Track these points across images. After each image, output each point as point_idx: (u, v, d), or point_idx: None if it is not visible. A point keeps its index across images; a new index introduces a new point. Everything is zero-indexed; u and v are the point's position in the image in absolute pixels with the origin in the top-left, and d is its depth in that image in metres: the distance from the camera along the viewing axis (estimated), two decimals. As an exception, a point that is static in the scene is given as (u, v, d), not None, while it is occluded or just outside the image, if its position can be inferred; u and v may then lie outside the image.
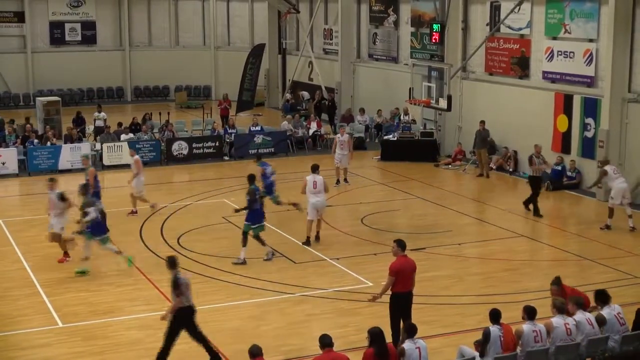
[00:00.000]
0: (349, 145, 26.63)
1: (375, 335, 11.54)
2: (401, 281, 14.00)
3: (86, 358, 14.36)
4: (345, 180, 26.95)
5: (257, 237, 19.07)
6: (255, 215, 19.05)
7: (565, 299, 13.34)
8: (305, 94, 40.02)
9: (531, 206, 23.40)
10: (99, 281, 18.06)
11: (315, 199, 20.35)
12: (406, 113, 32.69)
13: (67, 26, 45.36)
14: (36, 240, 20.76)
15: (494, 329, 12.39)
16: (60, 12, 45.12)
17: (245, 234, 19.01)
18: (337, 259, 19.39)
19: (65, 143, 29.84)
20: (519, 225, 22.46)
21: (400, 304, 14.09)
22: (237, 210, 19.84)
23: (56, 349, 14.71)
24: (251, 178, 19.40)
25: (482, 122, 28.35)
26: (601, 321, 12.99)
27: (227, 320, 15.92)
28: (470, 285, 17.81)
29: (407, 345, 11.92)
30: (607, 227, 21.72)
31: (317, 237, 20.65)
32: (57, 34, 45.22)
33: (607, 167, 21.96)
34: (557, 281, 13.71)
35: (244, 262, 18.93)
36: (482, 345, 12.45)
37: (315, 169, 20.66)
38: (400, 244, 14.26)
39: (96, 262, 19.36)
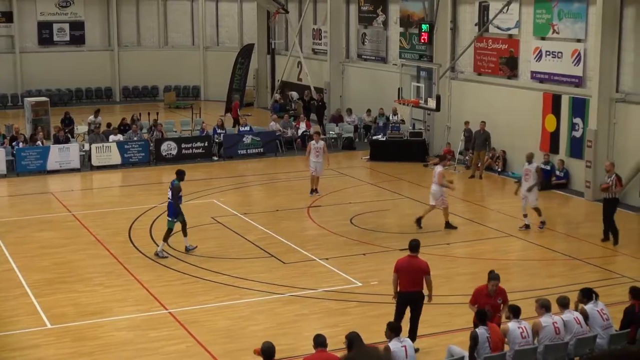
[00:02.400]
0: (324, 152, 25.21)
1: (352, 339, 11.50)
2: (403, 280, 14.15)
3: (76, 359, 14.34)
4: (316, 190, 25.37)
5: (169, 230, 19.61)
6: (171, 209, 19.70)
7: (503, 297, 13.47)
8: (295, 94, 40.02)
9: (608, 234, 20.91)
10: (87, 282, 18.03)
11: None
12: (395, 113, 32.73)
13: (56, 26, 45.22)
14: (25, 241, 20.71)
15: (481, 331, 12.44)
16: (48, 12, 44.97)
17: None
18: (327, 259, 19.41)
19: (53, 143, 29.73)
20: (508, 225, 22.51)
21: (403, 303, 14.20)
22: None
23: (45, 350, 14.69)
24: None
25: (483, 123, 28.17)
26: (584, 315, 13.12)
27: (216, 320, 15.91)
28: (458, 285, 17.84)
29: (393, 344, 11.96)
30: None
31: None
32: (45, 34, 45.07)
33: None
34: (497, 276, 13.72)
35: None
36: (471, 348, 12.49)
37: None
38: (410, 244, 14.57)
39: (84, 263, 19.35)
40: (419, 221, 21.89)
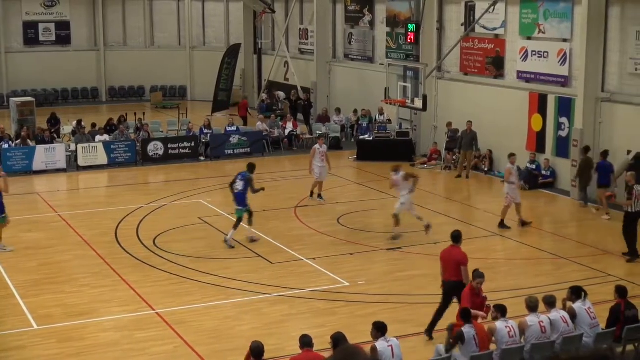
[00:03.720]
0: (327, 157, 24.72)
1: (337, 340, 11.50)
2: (444, 269, 14.88)
3: (62, 360, 14.30)
4: (320, 196, 24.81)
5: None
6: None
7: (481, 300, 13.64)
8: (281, 94, 40.00)
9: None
10: (74, 282, 17.96)
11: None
12: (381, 113, 32.76)
13: (41, 26, 45.04)
14: (11, 242, 20.59)
15: (467, 330, 12.47)
16: (34, 12, 44.79)
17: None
18: (314, 259, 19.41)
19: (37, 144, 29.58)
20: (495, 224, 22.56)
21: (446, 292, 14.78)
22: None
23: (31, 351, 14.63)
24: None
25: (470, 123, 28.16)
26: (572, 314, 13.17)
27: (203, 321, 15.89)
28: (446, 284, 17.85)
29: (379, 343, 11.98)
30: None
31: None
32: (31, 34, 44.88)
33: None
34: (482, 274, 13.99)
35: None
36: (451, 345, 12.60)
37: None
38: (451, 235, 15.18)
39: (71, 264, 19.29)
40: (501, 223, 21.91)
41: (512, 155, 22.54)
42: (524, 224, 21.94)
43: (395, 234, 20.84)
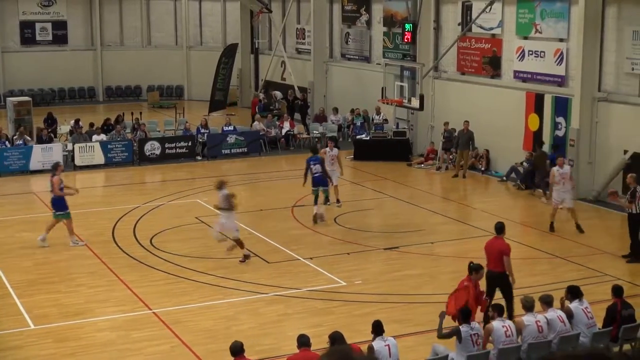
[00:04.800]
0: (339, 160, 23.69)
1: (335, 339, 11.50)
2: (488, 260, 15.11)
3: (58, 360, 14.29)
4: (337, 200, 23.53)
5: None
6: None
7: (477, 292, 13.86)
8: (278, 94, 39.97)
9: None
10: (70, 282, 17.95)
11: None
12: (378, 112, 32.74)
13: (38, 26, 44.97)
14: (7, 242, 20.59)
15: (465, 329, 12.49)
16: (30, 11, 44.72)
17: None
18: (311, 258, 19.40)
19: (36, 143, 29.57)
20: (491, 223, 22.49)
21: (490, 283, 14.99)
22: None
23: (27, 351, 14.62)
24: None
25: (466, 122, 28.09)
26: (569, 314, 13.18)
27: (200, 320, 15.88)
28: (442, 283, 17.86)
29: (376, 343, 12.00)
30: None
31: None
32: (27, 34, 44.81)
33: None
34: (480, 265, 14.35)
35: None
36: (447, 334, 12.69)
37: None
38: (495, 226, 15.76)
39: (67, 264, 19.27)
40: (550, 226, 21.66)
41: (558, 157, 22.33)
42: (578, 228, 21.35)
43: (230, 245, 19.13)
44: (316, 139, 32.85)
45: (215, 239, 19.49)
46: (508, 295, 15.03)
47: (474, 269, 14.14)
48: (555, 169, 21.70)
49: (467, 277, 14.16)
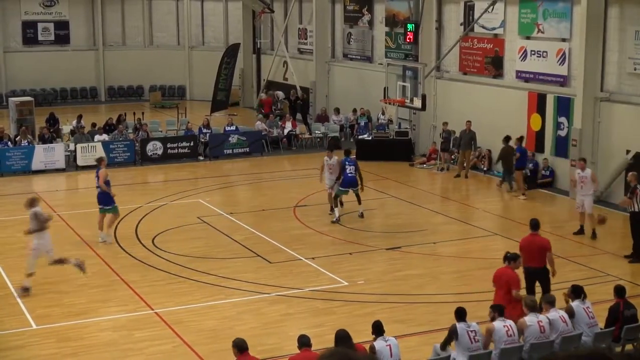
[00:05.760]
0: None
1: (340, 338, 11.49)
2: (526, 257, 15.02)
3: (60, 360, 14.29)
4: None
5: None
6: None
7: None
8: (280, 94, 39.98)
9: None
10: (72, 282, 17.94)
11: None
12: (383, 112, 32.72)
13: (40, 26, 45.00)
14: (9, 242, 20.60)
15: (461, 326, 12.51)
16: (32, 11, 44.75)
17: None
18: (313, 258, 19.39)
19: (39, 143, 29.59)
20: (494, 223, 22.58)
21: (531, 278, 15.26)
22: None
23: (29, 350, 14.62)
24: None
25: (469, 122, 28.04)
26: (569, 313, 13.19)
27: (202, 320, 15.88)
28: (444, 283, 17.89)
29: (378, 343, 12.00)
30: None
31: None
32: (29, 34, 44.85)
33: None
34: (515, 256, 14.50)
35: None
36: (446, 341, 12.66)
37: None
38: (530, 223, 15.75)
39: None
40: (579, 230, 21.44)
41: (580, 159, 21.92)
42: (593, 234, 21.08)
43: (26, 286, 17.37)
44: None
45: (29, 271, 17.25)
46: (546, 290, 15.19)
47: (512, 258, 14.32)
48: (576, 171, 21.58)
49: (506, 267, 14.20)
